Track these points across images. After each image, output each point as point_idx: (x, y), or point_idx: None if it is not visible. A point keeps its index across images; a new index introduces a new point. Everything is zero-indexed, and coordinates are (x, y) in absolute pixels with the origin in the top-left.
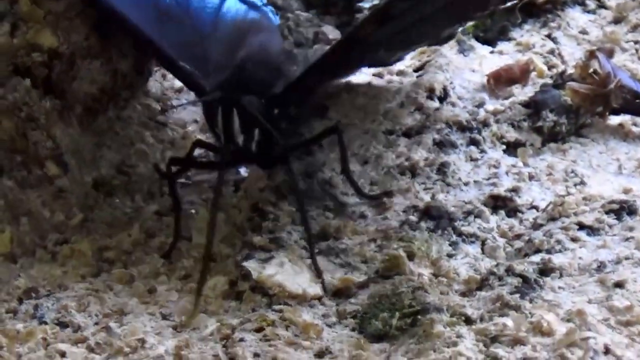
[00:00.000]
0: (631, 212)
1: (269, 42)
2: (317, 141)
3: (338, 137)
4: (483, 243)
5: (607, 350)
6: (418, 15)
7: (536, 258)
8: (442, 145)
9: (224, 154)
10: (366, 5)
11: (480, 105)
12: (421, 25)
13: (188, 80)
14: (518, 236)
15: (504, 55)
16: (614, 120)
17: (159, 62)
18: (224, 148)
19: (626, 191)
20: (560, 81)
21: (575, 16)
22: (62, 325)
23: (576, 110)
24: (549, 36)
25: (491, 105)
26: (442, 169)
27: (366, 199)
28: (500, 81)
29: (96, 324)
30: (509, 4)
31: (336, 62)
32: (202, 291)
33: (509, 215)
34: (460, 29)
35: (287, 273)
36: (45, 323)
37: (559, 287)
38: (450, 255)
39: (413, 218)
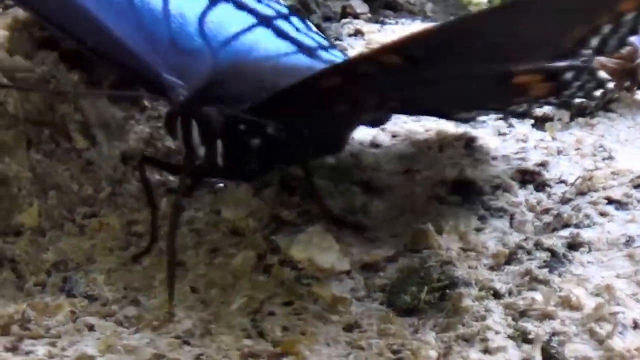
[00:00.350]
0: None
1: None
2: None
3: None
4: (511, 217)
5: (635, 325)
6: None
7: (565, 232)
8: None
9: (184, 168)
10: None
11: None
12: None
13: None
14: (546, 210)
15: None
16: None
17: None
18: (185, 162)
19: None
20: None
21: None
22: (91, 298)
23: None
24: None
25: None
26: (470, 143)
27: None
28: None
29: (124, 297)
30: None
31: (297, 102)
32: (172, 296)
33: (537, 189)
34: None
35: (316, 247)
36: (74, 296)
37: (588, 262)
38: (478, 230)
39: (441, 192)
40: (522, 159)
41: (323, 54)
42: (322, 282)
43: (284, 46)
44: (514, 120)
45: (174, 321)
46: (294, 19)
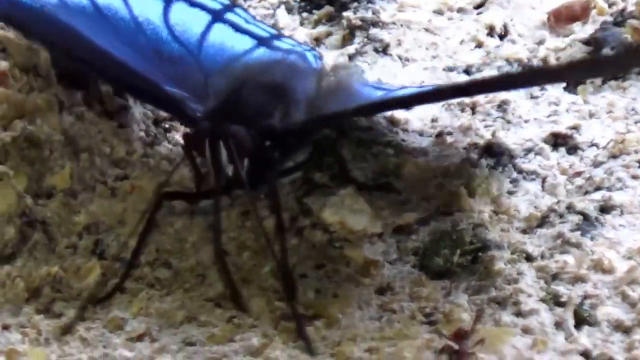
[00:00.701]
0: None
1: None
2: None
3: None
4: (543, 180)
5: None
6: None
7: (597, 195)
8: None
9: (216, 191)
10: None
11: (541, 42)
12: None
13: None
14: (578, 173)
15: None
16: None
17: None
18: (216, 184)
19: None
20: (620, 19)
21: None
22: (122, 261)
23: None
24: None
25: (551, 42)
26: (502, 106)
27: None
28: (561, 19)
29: (156, 259)
30: None
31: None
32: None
33: (569, 152)
34: None
35: (348, 210)
36: (105, 259)
37: (620, 225)
38: (510, 193)
39: (473, 155)
40: (554, 122)
41: (280, 44)
42: (354, 245)
43: (247, 42)
44: None
45: (205, 284)
46: (239, 10)
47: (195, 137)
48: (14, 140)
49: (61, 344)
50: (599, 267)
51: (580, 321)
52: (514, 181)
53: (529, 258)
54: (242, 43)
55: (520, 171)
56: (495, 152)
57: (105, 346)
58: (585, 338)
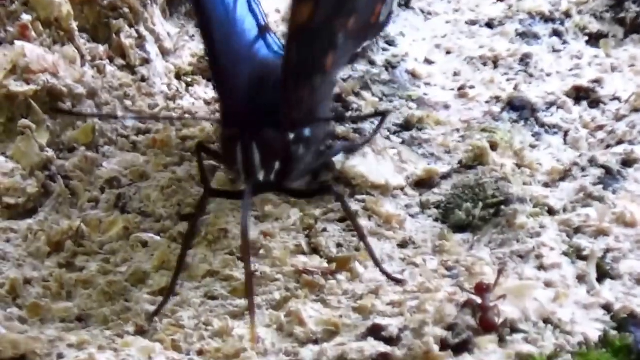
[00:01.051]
0: None
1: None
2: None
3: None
4: (566, 134)
5: None
6: None
7: (619, 149)
8: (525, 36)
9: (247, 193)
10: None
11: None
12: None
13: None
14: (601, 127)
15: None
16: None
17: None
18: (248, 186)
19: None
20: None
21: None
22: (145, 214)
23: None
24: None
25: None
26: (524, 59)
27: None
28: None
29: (178, 213)
30: None
31: (299, 63)
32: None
33: (591, 106)
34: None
35: (370, 163)
36: (128, 213)
37: None
38: (533, 146)
39: (496, 109)
40: (577, 75)
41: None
42: (376, 198)
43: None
44: (568, 37)
45: (228, 237)
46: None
47: (226, 141)
48: (36, 94)
49: (83, 297)
50: (621, 220)
51: (603, 275)
52: (536, 135)
53: (552, 211)
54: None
55: (542, 125)
56: (517, 106)
57: (127, 300)
58: (607, 291)
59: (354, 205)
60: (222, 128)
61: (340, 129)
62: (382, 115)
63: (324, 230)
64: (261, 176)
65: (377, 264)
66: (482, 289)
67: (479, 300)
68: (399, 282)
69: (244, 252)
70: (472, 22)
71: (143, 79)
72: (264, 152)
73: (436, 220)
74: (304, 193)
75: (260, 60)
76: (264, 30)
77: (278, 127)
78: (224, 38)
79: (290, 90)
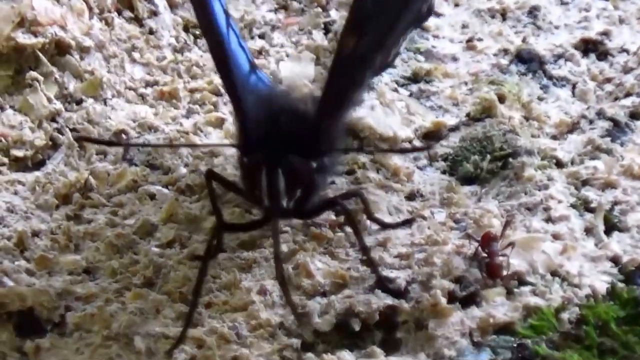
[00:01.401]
0: None
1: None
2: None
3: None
4: (574, 86)
5: None
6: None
7: (627, 101)
8: None
9: (274, 220)
10: None
11: None
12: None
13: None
14: (609, 79)
15: None
16: None
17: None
18: (273, 212)
19: None
20: None
21: None
22: (153, 167)
23: None
24: None
25: None
26: (533, 12)
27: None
28: None
29: (186, 165)
30: None
31: (339, 91)
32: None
33: (599, 58)
34: None
35: (378, 116)
36: (135, 165)
37: None
38: (541, 99)
39: (504, 61)
40: (585, 28)
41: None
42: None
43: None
44: None
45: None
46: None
47: (250, 166)
48: (43, 47)
49: (91, 250)
50: (629, 172)
51: (610, 227)
52: (544, 87)
53: (559, 164)
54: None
55: (550, 77)
56: (525, 58)
57: (135, 252)
58: (615, 244)
59: (362, 158)
60: (243, 153)
61: None
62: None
63: (332, 182)
64: (284, 203)
65: (379, 278)
66: (489, 239)
67: (486, 251)
68: (397, 295)
69: (281, 283)
70: None
71: (151, 32)
72: (289, 178)
73: (444, 172)
74: (314, 212)
75: (267, 91)
76: (253, 66)
77: (300, 155)
78: (237, 66)
79: (325, 118)
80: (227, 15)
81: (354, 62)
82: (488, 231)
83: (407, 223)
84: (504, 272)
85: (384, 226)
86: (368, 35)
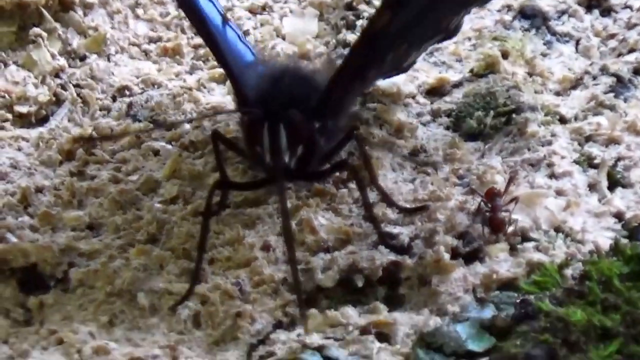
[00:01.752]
0: None
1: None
2: (337, 152)
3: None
4: (577, 42)
5: None
6: None
7: (630, 57)
8: None
9: (278, 176)
10: None
11: None
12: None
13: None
14: (612, 36)
15: None
16: None
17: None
18: (276, 168)
19: None
20: None
21: None
22: (156, 123)
23: None
24: None
25: None
26: None
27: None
28: None
29: (190, 121)
30: None
31: (360, 65)
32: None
33: (603, 14)
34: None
35: None
36: (139, 121)
37: None
38: (544, 55)
39: (507, 17)
40: None
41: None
42: (387, 106)
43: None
44: None
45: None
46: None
47: (252, 123)
48: (47, 3)
49: (94, 206)
50: (632, 128)
51: (614, 183)
52: (547, 43)
53: (563, 120)
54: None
55: (554, 33)
56: (528, 14)
57: (138, 208)
58: (618, 200)
59: (365, 114)
60: (245, 111)
61: (349, 37)
62: None
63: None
64: (286, 159)
65: (382, 234)
66: (492, 194)
67: (489, 206)
68: (400, 251)
69: (288, 241)
70: None
71: None
72: (291, 133)
73: (447, 128)
74: (321, 174)
75: (273, 64)
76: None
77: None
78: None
79: (337, 87)
80: None
81: (382, 39)
82: (492, 187)
83: (419, 210)
84: (507, 228)
85: (390, 204)
86: (403, 16)
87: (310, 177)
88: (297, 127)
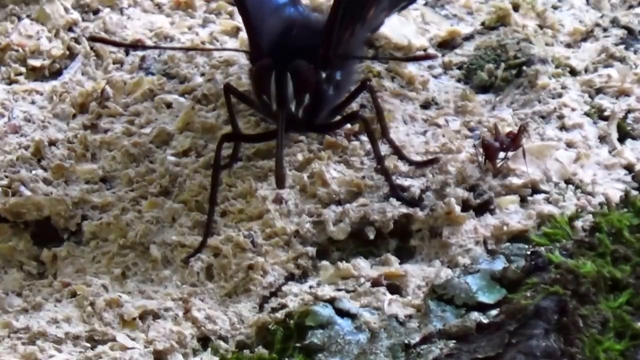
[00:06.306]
0: None
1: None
2: (349, 103)
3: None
4: None
5: None
6: None
7: None
8: None
9: (281, 120)
10: None
11: None
12: None
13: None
14: None
15: None
16: None
17: None
18: (281, 114)
19: None
20: None
21: None
22: (169, 76)
23: None
24: None
25: None
26: None
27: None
28: None
29: (203, 74)
30: None
31: (347, 6)
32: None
33: None
34: None
35: (393, 25)
36: (152, 74)
37: None
38: (555, 7)
39: None
40: None
41: None
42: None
43: None
44: None
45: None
46: None
47: (260, 70)
48: None
49: (108, 159)
50: None
51: (624, 135)
52: None
53: (573, 72)
54: None
55: None
56: None
57: (151, 161)
58: (628, 151)
59: (377, 67)
60: (254, 59)
61: None
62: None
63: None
64: (292, 108)
65: (393, 187)
66: (498, 132)
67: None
68: (411, 203)
69: (279, 184)
70: None
71: None
72: (297, 82)
73: (459, 80)
74: (332, 125)
75: (291, 13)
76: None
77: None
78: None
79: (333, 28)
80: None
81: None
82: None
83: (430, 162)
84: (499, 163)
85: (401, 156)
86: None
87: (321, 128)
88: (303, 76)
